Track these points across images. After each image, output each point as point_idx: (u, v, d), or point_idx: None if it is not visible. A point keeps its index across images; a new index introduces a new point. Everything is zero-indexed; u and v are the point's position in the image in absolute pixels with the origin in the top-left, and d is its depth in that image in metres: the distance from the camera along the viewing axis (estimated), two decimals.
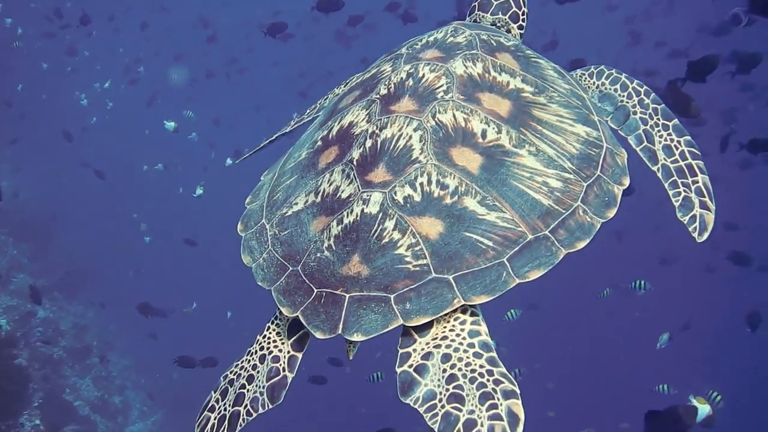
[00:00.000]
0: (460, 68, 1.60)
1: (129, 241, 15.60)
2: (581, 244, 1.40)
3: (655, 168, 1.72)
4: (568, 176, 1.47)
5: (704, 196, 1.64)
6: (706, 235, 1.60)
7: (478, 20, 2.05)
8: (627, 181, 1.55)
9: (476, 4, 2.06)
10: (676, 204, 1.66)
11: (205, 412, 1.51)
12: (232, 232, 1.68)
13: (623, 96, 1.80)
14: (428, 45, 1.73)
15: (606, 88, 1.83)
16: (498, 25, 2.03)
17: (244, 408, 1.43)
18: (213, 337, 11.38)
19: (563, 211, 1.42)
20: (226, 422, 1.43)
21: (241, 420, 1.42)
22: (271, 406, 1.42)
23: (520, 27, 2.04)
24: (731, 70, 6.26)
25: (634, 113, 1.78)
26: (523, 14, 2.03)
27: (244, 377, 1.50)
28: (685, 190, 1.66)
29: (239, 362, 1.56)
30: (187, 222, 16.75)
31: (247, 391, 1.46)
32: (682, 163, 1.69)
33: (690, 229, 1.61)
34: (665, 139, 1.73)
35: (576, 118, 1.60)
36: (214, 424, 1.45)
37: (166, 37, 20.71)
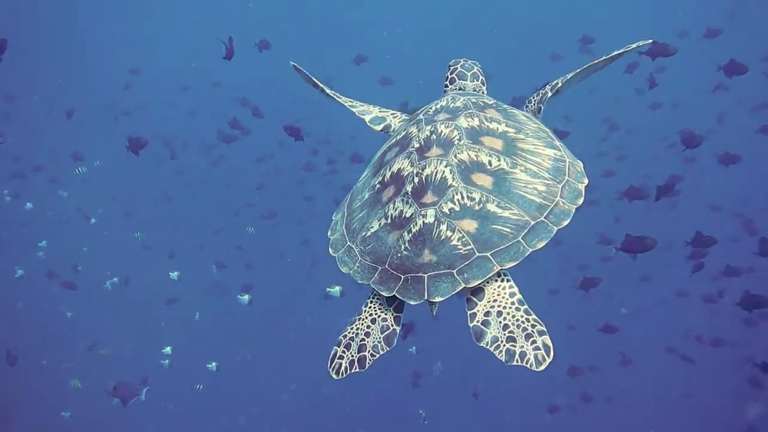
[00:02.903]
0: (464, 123, 2.49)
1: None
2: (565, 222, 2.24)
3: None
4: (548, 182, 2.32)
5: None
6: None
7: (462, 88, 3.02)
8: (586, 181, 2.43)
9: (453, 77, 3.06)
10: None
11: (336, 360, 2.24)
12: None
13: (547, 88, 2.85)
14: (439, 110, 2.64)
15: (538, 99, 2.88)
16: (476, 88, 3.02)
17: (368, 353, 2.20)
18: None
19: (550, 204, 2.26)
20: (356, 363, 2.19)
21: (367, 361, 2.18)
22: (388, 349, 2.21)
23: (485, 85, 3.08)
24: None
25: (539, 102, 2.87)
26: (484, 77, 3.08)
27: (361, 335, 2.25)
28: None
29: (351, 327, 2.30)
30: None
31: (368, 343, 2.22)
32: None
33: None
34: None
35: (545, 144, 2.50)
36: (347, 367, 2.20)
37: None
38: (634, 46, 2.68)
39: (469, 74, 3.04)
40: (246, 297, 11.01)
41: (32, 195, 17.25)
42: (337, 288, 9.37)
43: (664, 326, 15.22)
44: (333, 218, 2.73)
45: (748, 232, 13.14)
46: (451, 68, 3.09)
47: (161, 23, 28.56)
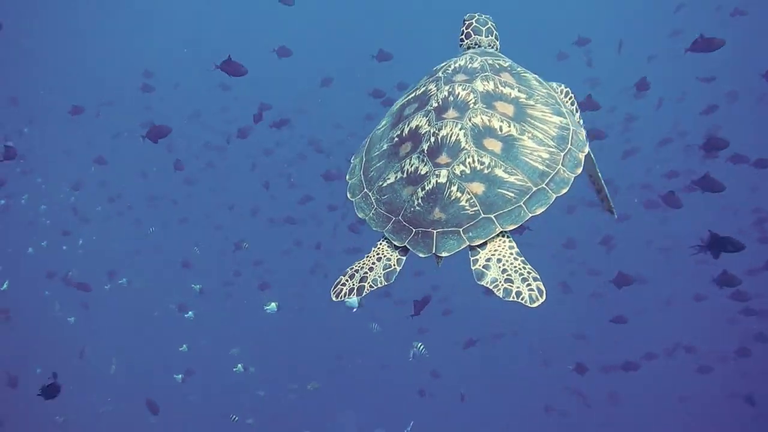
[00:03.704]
0: (480, 86, 2.60)
1: None
2: (564, 190, 2.40)
3: None
4: (552, 150, 2.47)
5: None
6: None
7: (478, 43, 3.11)
8: (587, 149, 2.56)
9: (469, 31, 3.13)
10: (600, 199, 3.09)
11: (338, 285, 2.50)
12: None
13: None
14: (457, 70, 2.74)
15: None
16: (490, 43, 3.11)
17: (368, 284, 2.45)
18: None
19: (552, 172, 2.41)
20: (355, 291, 2.45)
21: (365, 291, 2.43)
22: (386, 283, 2.43)
23: (498, 39, 3.16)
24: None
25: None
26: (497, 32, 3.18)
27: (365, 269, 2.51)
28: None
29: (358, 262, 2.55)
30: None
31: (370, 276, 2.47)
32: None
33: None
34: None
35: (553, 111, 2.62)
36: (346, 292, 2.47)
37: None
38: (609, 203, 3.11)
39: (483, 29, 3.13)
40: (273, 305, 10.39)
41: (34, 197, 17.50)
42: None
43: (663, 330, 15.36)
44: (352, 161, 2.89)
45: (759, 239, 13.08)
46: (466, 23, 3.17)
47: (161, 21, 28.83)
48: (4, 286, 13.90)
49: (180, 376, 11.99)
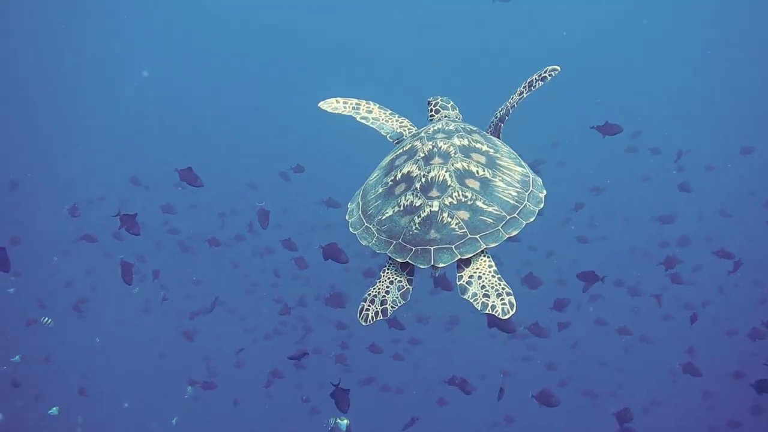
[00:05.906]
0: (457, 142, 3.38)
1: None
2: (531, 219, 3.11)
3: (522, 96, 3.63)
4: (519, 190, 3.22)
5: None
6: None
7: (447, 116, 3.97)
8: (545, 192, 3.31)
9: (438, 108, 4.01)
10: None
11: (364, 312, 3.06)
12: None
13: (501, 112, 3.75)
14: (437, 131, 3.52)
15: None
16: (456, 116, 3.98)
17: (389, 305, 3.03)
18: None
19: (520, 206, 3.15)
20: (380, 313, 3.01)
21: (389, 312, 3.00)
22: (404, 302, 3.02)
23: (460, 113, 4.02)
24: None
25: (504, 109, 3.71)
26: (457, 108, 4.06)
27: (382, 294, 3.08)
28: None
29: (372, 288, 3.13)
30: None
31: (389, 299, 3.05)
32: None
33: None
34: (519, 94, 3.65)
35: (515, 163, 3.42)
36: (372, 317, 3.02)
37: None
38: (546, 74, 3.56)
39: (449, 105, 4.02)
40: (345, 422, 9.49)
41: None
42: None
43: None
44: (348, 206, 3.57)
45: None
46: (432, 102, 4.07)
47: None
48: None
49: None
